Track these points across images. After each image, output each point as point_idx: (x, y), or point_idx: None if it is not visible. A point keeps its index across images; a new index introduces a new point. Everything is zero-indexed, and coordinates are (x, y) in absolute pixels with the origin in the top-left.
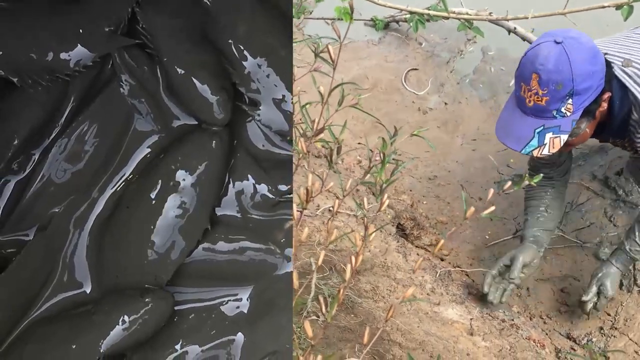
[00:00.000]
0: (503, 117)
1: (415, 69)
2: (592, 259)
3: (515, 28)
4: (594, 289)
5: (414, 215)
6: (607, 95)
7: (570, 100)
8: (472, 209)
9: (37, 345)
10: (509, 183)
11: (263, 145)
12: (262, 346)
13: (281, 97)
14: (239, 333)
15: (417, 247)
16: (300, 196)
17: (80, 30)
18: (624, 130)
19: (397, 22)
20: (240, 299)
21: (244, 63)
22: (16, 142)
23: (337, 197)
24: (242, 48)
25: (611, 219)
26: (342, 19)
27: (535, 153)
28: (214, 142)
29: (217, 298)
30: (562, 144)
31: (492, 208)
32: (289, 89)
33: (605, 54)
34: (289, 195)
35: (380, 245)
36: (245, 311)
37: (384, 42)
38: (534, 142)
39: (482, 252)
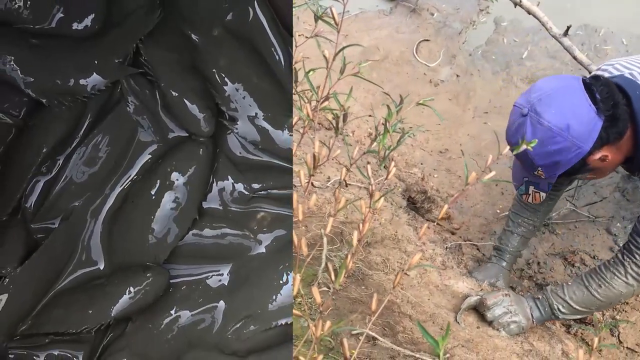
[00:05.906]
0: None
1: (427, 40)
2: (604, 234)
3: (520, 1)
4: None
5: (424, 188)
6: (601, 154)
7: (539, 169)
8: (474, 174)
9: (62, 310)
10: (507, 149)
11: (240, 153)
12: (239, 311)
13: (254, 114)
14: (221, 301)
15: (427, 220)
16: (307, 163)
17: (96, 62)
18: None
19: None
20: (222, 274)
21: (225, 88)
22: (45, 150)
23: (345, 167)
24: (223, 76)
25: (624, 194)
26: None
27: (524, 199)
28: (201, 150)
29: (203, 273)
30: (542, 199)
31: (493, 173)
32: (261, 107)
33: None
34: (262, 192)
35: (391, 218)
36: (226, 284)
37: (395, 13)
38: (522, 188)
39: (493, 225)
